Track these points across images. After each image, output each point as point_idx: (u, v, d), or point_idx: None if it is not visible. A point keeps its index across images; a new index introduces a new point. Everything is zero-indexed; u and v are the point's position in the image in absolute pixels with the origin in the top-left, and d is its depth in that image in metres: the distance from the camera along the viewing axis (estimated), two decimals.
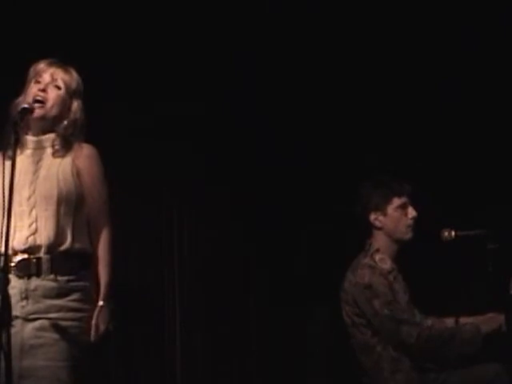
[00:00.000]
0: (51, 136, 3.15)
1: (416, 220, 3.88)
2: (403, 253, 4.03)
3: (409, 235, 3.88)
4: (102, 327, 3.04)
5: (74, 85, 3.19)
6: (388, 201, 3.88)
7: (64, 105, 3.15)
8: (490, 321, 3.69)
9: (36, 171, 3.10)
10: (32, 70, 3.20)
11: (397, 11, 4.64)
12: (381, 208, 3.87)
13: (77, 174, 3.11)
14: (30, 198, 3.05)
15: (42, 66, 3.18)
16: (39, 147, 3.15)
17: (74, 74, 3.21)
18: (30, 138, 3.15)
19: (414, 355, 3.71)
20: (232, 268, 4.85)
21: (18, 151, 3.08)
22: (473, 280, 4.41)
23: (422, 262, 4.50)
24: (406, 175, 4.25)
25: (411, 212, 3.87)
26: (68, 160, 3.12)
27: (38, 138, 3.15)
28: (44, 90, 3.12)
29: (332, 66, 4.80)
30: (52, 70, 3.17)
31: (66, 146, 3.13)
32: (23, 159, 3.10)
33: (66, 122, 3.15)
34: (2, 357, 2.70)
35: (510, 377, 3.56)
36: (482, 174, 4.72)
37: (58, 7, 4.24)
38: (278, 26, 4.67)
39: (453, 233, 3.83)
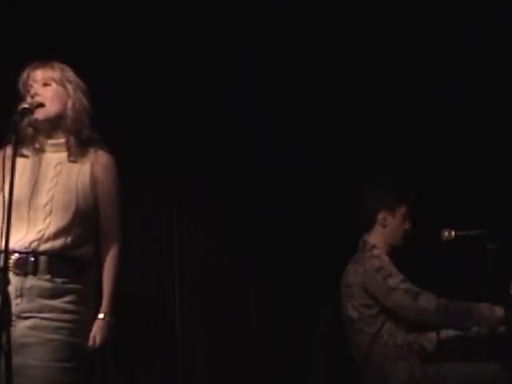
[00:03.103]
0: (67, 139, 3.12)
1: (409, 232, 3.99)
2: (403, 253, 4.05)
3: (402, 241, 4.02)
4: (99, 340, 3.03)
5: (57, 74, 3.15)
6: (400, 205, 3.96)
7: (61, 97, 3.13)
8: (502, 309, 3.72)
9: (54, 177, 3.08)
10: (20, 86, 3.15)
11: (397, 11, 4.64)
12: (392, 209, 3.95)
13: (95, 183, 3.11)
14: (46, 205, 3.03)
15: (24, 78, 3.15)
16: (56, 150, 3.13)
17: (55, 65, 3.17)
18: (46, 141, 3.14)
19: (434, 323, 3.81)
20: (232, 268, 4.85)
21: (35, 153, 3.10)
22: (473, 280, 4.41)
23: (422, 262, 4.51)
24: (405, 175, 4.27)
25: (408, 223, 3.97)
26: (86, 168, 3.11)
27: (56, 140, 3.14)
28: (36, 94, 3.10)
29: (332, 65, 4.80)
30: (32, 74, 3.14)
31: (80, 145, 3.11)
32: (39, 163, 3.10)
33: (69, 113, 3.12)
34: (2, 356, 2.69)
35: (509, 376, 3.57)
36: (482, 174, 4.72)
37: (58, 8, 4.24)
38: (278, 26, 4.67)
39: (453, 233, 3.87)
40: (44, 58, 3.20)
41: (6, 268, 2.84)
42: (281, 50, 4.73)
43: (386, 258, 3.92)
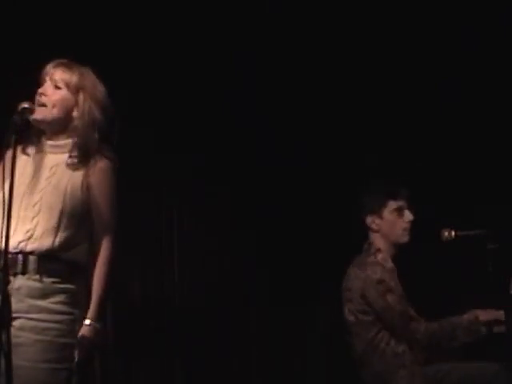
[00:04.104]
0: (69, 142, 3.09)
1: (412, 224, 3.94)
2: (403, 253, 4.05)
3: (405, 238, 3.96)
4: (85, 346, 2.95)
5: (74, 80, 3.09)
6: (384, 204, 3.95)
7: (67, 104, 3.08)
8: (489, 311, 3.74)
9: (48, 177, 3.05)
10: (41, 74, 3.12)
11: (397, 11, 4.64)
12: (377, 211, 3.95)
13: (87, 188, 3.05)
14: (35, 204, 3.01)
15: (45, 70, 3.11)
16: (55, 152, 3.10)
17: (76, 69, 3.11)
18: (47, 142, 3.11)
19: (421, 349, 3.82)
20: (232, 268, 4.84)
21: (35, 151, 3.09)
22: (473, 280, 4.41)
23: (422, 262, 4.51)
24: (405, 175, 4.27)
25: (408, 215, 3.94)
26: (79, 173, 3.05)
27: (55, 142, 3.11)
28: (43, 94, 3.07)
29: (332, 66, 4.80)
30: (51, 71, 3.10)
31: (82, 157, 3.06)
32: (39, 162, 3.07)
33: (75, 122, 3.08)
34: (2, 355, 2.68)
35: (510, 376, 3.58)
36: (482, 174, 4.72)
37: (58, 11, 4.24)
38: (278, 26, 4.67)
39: (453, 233, 3.87)
40: (74, 58, 3.15)
41: (6, 268, 2.82)
42: (281, 50, 4.72)
43: (390, 266, 3.89)
